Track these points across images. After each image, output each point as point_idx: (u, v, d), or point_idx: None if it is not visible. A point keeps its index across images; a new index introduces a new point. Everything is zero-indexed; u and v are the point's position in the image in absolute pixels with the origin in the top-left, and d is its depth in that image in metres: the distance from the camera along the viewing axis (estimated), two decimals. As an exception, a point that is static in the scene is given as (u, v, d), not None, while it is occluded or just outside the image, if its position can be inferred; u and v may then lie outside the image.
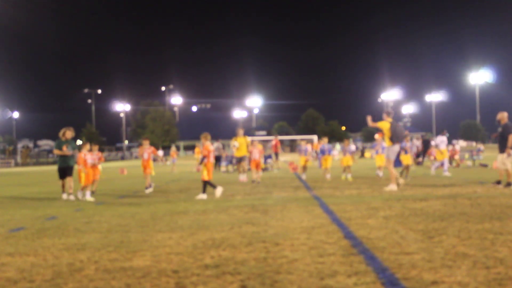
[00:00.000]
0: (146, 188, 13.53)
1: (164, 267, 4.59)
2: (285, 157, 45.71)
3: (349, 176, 16.56)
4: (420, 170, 21.13)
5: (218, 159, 27.30)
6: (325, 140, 17.98)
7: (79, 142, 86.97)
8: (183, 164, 47.32)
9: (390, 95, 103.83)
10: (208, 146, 11.50)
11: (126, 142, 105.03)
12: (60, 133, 12.40)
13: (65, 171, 12.10)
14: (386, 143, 12.35)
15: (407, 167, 15.67)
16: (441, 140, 17.56)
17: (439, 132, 20.52)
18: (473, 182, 13.52)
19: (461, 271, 4.11)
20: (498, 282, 3.79)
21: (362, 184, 14.09)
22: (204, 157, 11.36)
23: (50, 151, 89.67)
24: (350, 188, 12.75)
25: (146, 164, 13.86)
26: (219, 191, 11.27)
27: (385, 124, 12.13)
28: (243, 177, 16.51)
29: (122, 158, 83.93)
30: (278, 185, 14.89)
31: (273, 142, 27.88)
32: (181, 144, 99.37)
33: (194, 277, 4.20)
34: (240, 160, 16.99)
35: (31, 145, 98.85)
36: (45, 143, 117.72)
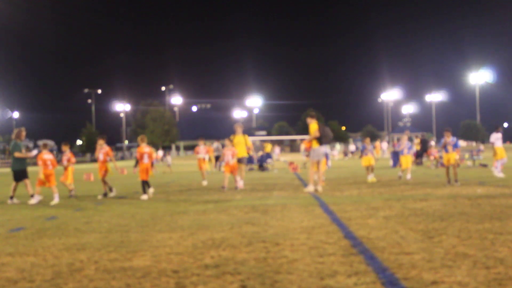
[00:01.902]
0: (105, 194, 12.30)
1: (164, 267, 4.59)
2: (285, 157, 45.69)
3: (371, 177, 15.45)
4: (420, 170, 21.13)
5: (217, 159, 27.32)
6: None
7: (79, 142, 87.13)
8: (183, 164, 47.30)
9: (390, 95, 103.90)
10: (143, 148, 11.90)
11: (126, 142, 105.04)
12: (15, 135, 12.14)
13: (22, 174, 11.70)
14: (313, 145, 12.20)
15: (368, 167, 15.59)
16: (496, 138, 15.95)
17: (439, 132, 20.10)
18: (473, 182, 13.52)
19: (461, 271, 4.11)
20: (498, 282, 3.79)
21: (362, 184, 14.09)
22: (138, 160, 11.94)
23: (50, 151, 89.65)
24: (350, 188, 12.75)
25: (102, 165, 12.56)
26: (145, 197, 11.49)
27: (313, 126, 12.07)
28: (240, 184, 13.55)
29: (122, 158, 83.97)
30: (278, 185, 14.89)
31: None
32: (181, 144, 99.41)
33: (194, 277, 4.20)
34: (239, 161, 13.72)
35: (31, 145, 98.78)
36: (45, 143, 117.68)
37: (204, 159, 17.23)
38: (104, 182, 12.54)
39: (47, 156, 11.69)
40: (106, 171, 12.61)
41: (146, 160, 11.82)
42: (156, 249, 5.42)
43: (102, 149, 12.80)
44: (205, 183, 15.92)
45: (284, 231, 6.28)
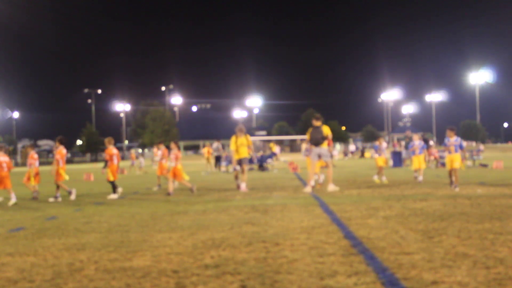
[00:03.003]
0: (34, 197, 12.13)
1: (164, 267, 4.59)
2: (285, 157, 45.67)
3: (384, 179, 15.00)
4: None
5: (218, 159, 27.32)
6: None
7: (79, 142, 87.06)
8: (183, 164, 47.27)
9: (390, 95, 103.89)
10: (111, 150, 12.36)
11: (126, 142, 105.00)
12: None
13: None
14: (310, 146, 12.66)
15: (419, 168, 15.13)
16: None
17: (439, 132, 19.70)
18: (473, 182, 13.52)
19: (461, 271, 4.11)
20: (498, 282, 3.79)
21: (362, 184, 14.09)
22: (107, 161, 12.26)
23: (50, 151, 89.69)
24: (350, 188, 12.75)
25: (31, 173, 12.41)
26: (114, 196, 11.85)
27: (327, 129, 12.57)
28: (243, 186, 13.14)
29: (122, 158, 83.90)
30: (278, 185, 14.89)
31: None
32: (181, 144, 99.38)
33: (194, 277, 4.20)
34: (240, 163, 13.37)
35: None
36: (45, 143, 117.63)
37: (162, 162, 15.38)
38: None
39: (2, 158, 11.89)
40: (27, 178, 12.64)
41: (115, 161, 12.33)
42: (156, 249, 5.42)
43: (31, 157, 12.76)
44: (155, 188, 14.84)
45: (284, 231, 6.28)
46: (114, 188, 12.13)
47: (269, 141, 55.74)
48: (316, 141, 12.48)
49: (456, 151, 11.80)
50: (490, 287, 3.69)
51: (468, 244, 5.17)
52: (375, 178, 15.17)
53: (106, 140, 12.71)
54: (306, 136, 12.68)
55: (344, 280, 3.95)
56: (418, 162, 15.25)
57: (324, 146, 12.50)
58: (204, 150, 28.44)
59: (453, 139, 11.95)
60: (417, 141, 15.62)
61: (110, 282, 4.14)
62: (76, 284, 4.10)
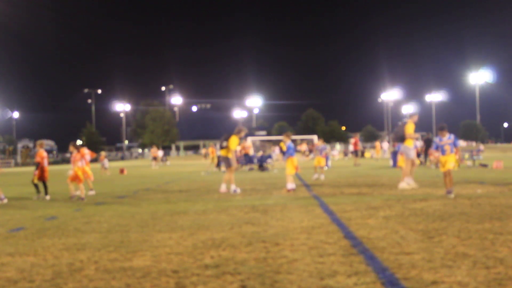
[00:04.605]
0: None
1: (164, 267, 4.59)
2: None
3: (321, 177, 15.19)
4: (420, 170, 21.12)
5: (218, 159, 27.35)
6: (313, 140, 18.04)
7: (79, 142, 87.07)
8: (183, 164, 47.32)
9: (390, 95, 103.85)
10: (42, 153, 12.84)
11: (126, 142, 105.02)
12: None
13: None
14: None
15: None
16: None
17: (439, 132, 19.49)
18: (473, 182, 13.51)
19: (461, 271, 4.11)
20: (498, 282, 3.79)
21: (362, 184, 14.09)
22: (38, 163, 12.72)
23: (50, 151, 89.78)
24: (350, 188, 12.75)
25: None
26: (38, 197, 12.32)
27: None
28: (223, 187, 12.62)
29: (122, 158, 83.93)
30: (278, 185, 14.89)
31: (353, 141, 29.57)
32: (181, 144, 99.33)
33: (194, 277, 4.20)
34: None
35: (31, 145, 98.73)
36: (46, 143, 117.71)
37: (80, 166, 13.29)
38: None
39: None
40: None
41: (46, 163, 12.87)
42: (156, 249, 5.42)
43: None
44: (77, 193, 12.53)
45: (284, 231, 6.28)
46: (46, 189, 12.55)
47: (269, 141, 55.77)
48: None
49: (451, 151, 10.32)
50: (490, 287, 3.69)
51: (468, 244, 5.17)
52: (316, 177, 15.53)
53: (38, 143, 13.23)
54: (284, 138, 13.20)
55: (344, 280, 3.95)
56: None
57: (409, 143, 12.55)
58: (209, 150, 28.61)
59: (446, 138, 10.46)
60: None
61: (110, 282, 4.14)
62: (76, 284, 4.10)
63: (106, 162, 28.94)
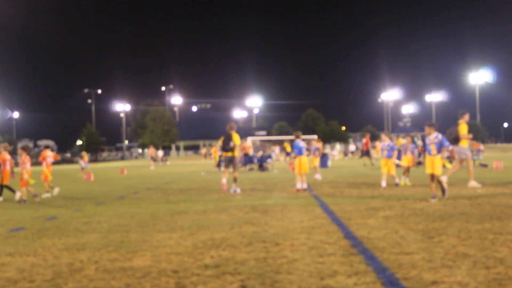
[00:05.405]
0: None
1: (164, 267, 4.59)
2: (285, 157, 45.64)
3: (407, 181, 13.84)
4: (420, 170, 21.11)
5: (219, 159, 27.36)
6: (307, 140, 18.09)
7: (79, 142, 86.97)
8: (183, 164, 47.31)
9: (390, 95, 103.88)
10: (5, 155, 12.87)
11: (126, 142, 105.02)
12: None
13: None
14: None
15: (408, 169, 14.34)
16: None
17: (439, 132, 19.54)
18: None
19: (461, 271, 4.11)
20: (498, 282, 3.79)
21: (362, 184, 14.09)
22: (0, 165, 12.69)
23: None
24: (350, 188, 12.75)
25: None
26: (17, 195, 12.18)
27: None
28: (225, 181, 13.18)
29: (122, 158, 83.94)
30: (278, 185, 14.89)
31: (364, 140, 30.21)
32: (181, 144, 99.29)
33: (194, 277, 4.20)
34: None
35: (31, 145, 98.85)
36: (45, 143, 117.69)
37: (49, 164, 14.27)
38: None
39: None
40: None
41: (8, 166, 12.89)
42: (156, 249, 5.42)
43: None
44: (47, 194, 13.26)
45: (284, 231, 6.28)
46: (12, 189, 12.50)
47: (269, 141, 55.78)
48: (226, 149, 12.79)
49: (438, 151, 9.37)
50: (490, 287, 3.69)
51: (468, 244, 5.17)
52: (407, 180, 14.08)
53: (2, 147, 13.20)
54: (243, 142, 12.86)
55: (344, 280, 3.95)
56: (385, 165, 13.41)
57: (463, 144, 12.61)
58: (212, 150, 28.71)
59: (432, 136, 9.50)
60: (386, 142, 13.57)
61: (110, 282, 4.14)
62: (76, 284, 4.10)
63: (83, 163, 26.12)
